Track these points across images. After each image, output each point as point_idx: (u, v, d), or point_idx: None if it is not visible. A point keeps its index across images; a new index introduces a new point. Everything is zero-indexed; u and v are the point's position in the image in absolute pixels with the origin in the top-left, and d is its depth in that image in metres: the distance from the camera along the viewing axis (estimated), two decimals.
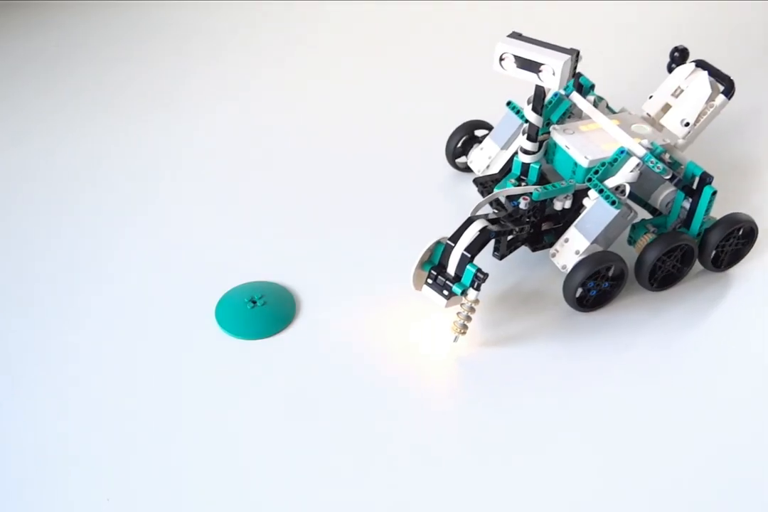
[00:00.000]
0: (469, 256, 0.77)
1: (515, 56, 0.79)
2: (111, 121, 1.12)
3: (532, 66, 0.78)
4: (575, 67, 0.79)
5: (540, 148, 0.88)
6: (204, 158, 1.06)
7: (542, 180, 0.90)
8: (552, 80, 0.78)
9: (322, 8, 1.38)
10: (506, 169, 0.94)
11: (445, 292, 0.78)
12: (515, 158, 0.90)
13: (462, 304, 0.78)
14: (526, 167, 0.89)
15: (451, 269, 0.78)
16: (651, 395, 0.78)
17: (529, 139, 0.87)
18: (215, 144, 1.08)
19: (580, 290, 0.82)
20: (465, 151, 1.01)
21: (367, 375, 0.79)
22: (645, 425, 0.75)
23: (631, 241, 0.87)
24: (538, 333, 0.83)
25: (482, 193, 0.93)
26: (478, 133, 1.00)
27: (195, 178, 1.03)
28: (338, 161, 1.05)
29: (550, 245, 0.86)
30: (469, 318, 0.79)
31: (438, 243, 0.79)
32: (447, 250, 0.78)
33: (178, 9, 1.37)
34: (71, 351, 0.81)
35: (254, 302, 0.84)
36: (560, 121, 0.92)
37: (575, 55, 0.78)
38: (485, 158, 0.96)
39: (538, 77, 0.79)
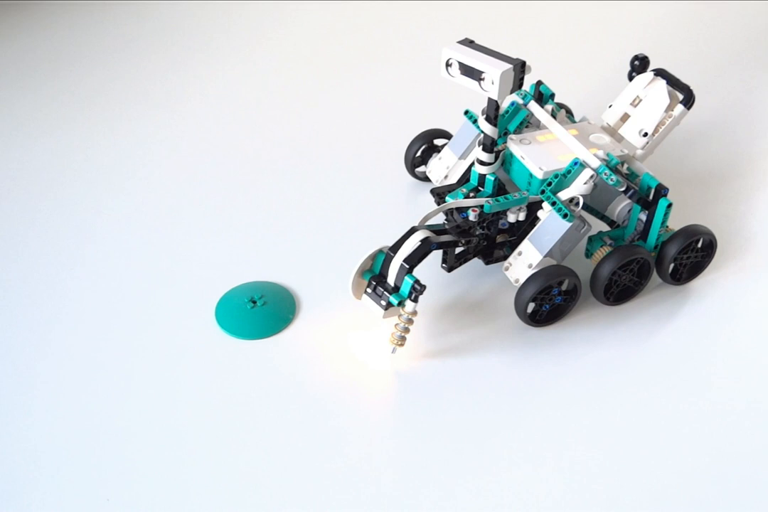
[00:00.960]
0: (407, 266, 0.75)
1: (459, 63, 0.77)
2: (105, 119, 1.12)
3: (474, 73, 0.77)
4: (521, 78, 0.77)
5: (497, 158, 0.86)
6: (203, 158, 1.06)
7: (501, 191, 0.88)
8: (492, 89, 0.76)
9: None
10: (464, 179, 0.93)
11: (383, 303, 0.77)
12: (473, 168, 0.88)
13: (400, 316, 0.77)
14: (482, 178, 0.87)
15: (391, 279, 0.77)
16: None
17: (484, 149, 0.85)
18: (213, 144, 1.08)
19: (532, 304, 0.81)
20: (425, 160, 0.99)
21: (366, 376, 0.79)
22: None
23: (588, 253, 0.86)
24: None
25: (439, 204, 0.91)
26: (439, 142, 0.99)
27: (194, 178, 1.03)
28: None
29: (504, 258, 0.85)
30: (407, 330, 0.77)
31: (380, 251, 0.78)
32: (387, 260, 0.77)
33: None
34: (70, 350, 0.81)
35: (254, 302, 0.84)
36: (518, 131, 0.90)
37: (519, 65, 0.76)
38: (443, 168, 0.94)
39: (480, 85, 0.77)
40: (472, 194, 0.87)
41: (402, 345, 0.78)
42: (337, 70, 1.24)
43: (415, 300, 0.75)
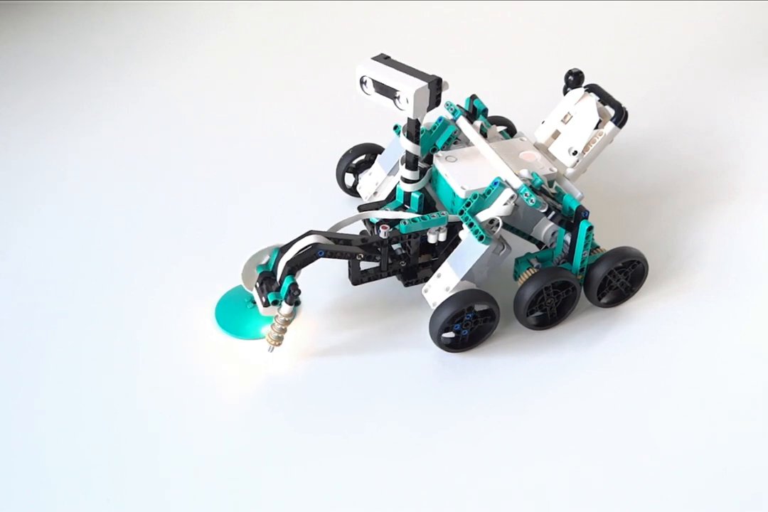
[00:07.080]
0: (288, 268, 0.75)
1: (373, 80, 0.75)
2: (101, 118, 1.15)
3: (388, 92, 0.74)
4: (438, 95, 0.74)
5: (422, 175, 0.84)
6: (203, 157, 1.07)
7: (429, 209, 0.85)
8: (408, 108, 0.74)
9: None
10: (393, 195, 0.90)
11: (264, 299, 0.76)
12: (398, 186, 0.86)
13: (276, 316, 0.76)
14: (408, 196, 0.85)
15: (277, 277, 0.76)
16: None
17: (407, 167, 0.82)
18: (214, 145, 1.10)
19: (446, 329, 0.78)
20: (357, 175, 0.97)
21: (367, 375, 0.78)
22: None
23: (516, 275, 0.83)
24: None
25: (365, 222, 0.88)
26: (371, 157, 0.96)
27: (193, 178, 1.03)
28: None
29: (425, 280, 0.82)
30: (283, 330, 0.77)
31: (276, 248, 0.78)
32: (278, 258, 0.77)
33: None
34: (70, 351, 0.80)
35: (254, 302, 0.83)
36: (446, 147, 0.87)
37: (435, 82, 0.73)
38: (372, 184, 0.91)
39: (395, 104, 0.74)
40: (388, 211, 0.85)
41: (279, 344, 0.78)
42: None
43: (291, 303, 0.75)
